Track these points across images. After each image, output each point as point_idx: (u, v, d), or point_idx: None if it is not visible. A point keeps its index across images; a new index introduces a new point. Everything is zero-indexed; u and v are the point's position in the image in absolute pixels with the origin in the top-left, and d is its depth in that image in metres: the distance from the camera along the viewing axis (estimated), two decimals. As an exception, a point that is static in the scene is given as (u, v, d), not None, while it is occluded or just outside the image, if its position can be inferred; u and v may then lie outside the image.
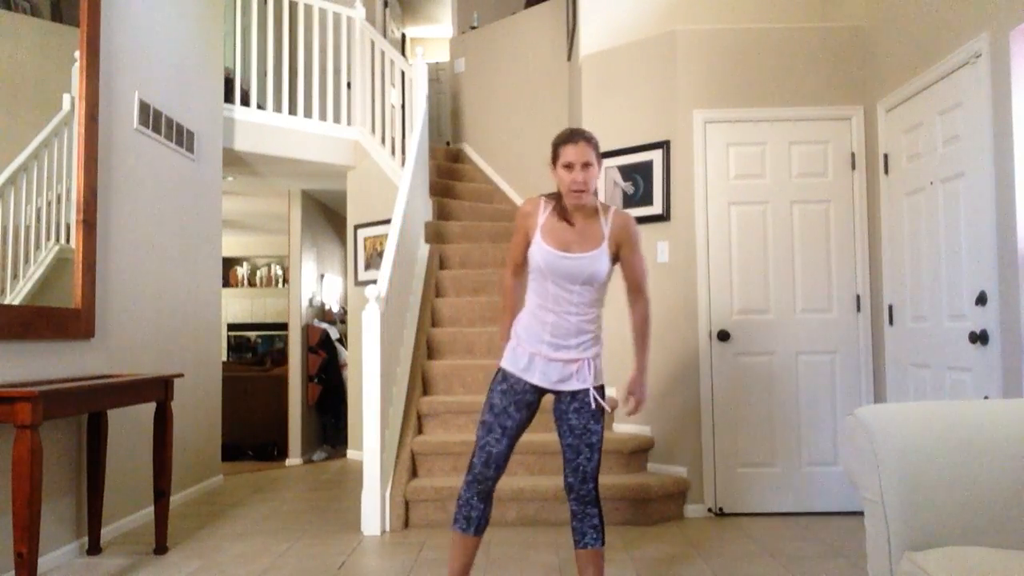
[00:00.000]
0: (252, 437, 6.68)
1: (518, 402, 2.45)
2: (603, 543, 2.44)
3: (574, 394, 2.43)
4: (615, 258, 2.47)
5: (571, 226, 2.42)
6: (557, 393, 2.47)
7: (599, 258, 2.39)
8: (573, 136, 2.36)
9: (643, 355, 2.54)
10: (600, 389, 2.46)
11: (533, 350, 2.44)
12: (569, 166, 2.35)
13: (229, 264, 11.38)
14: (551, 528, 3.81)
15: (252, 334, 11.36)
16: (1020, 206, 2.88)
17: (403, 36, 10.45)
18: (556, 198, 2.47)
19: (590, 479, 2.42)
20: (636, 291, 2.53)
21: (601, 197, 4.49)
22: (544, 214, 2.45)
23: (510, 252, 2.59)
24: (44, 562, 3.22)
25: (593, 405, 2.42)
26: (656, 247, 4.25)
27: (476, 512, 2.46)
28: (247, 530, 3.88)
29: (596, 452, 2.43)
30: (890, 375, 3.90)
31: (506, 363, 2.49)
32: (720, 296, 4.10)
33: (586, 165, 2.34)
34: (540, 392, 2.48)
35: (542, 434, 4.25)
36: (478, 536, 2.48)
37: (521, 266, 2.58)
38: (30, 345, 3.13)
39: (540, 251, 2.40)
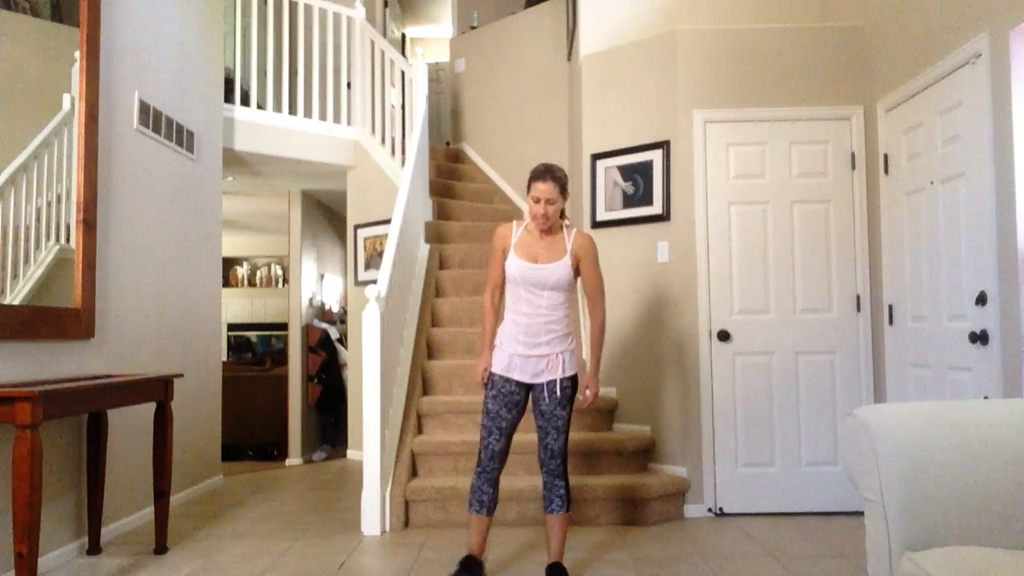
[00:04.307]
0: (252, 437, 6.68)
1: (508, 404, 2.92)
2: (568, 510, 2.95)
3: (546, 383, 2.90)
4: (577, 271, 2.94)
5: (540, 240, 2.91)
6: (534, 385, 2.93)
7: (562, 268, 2.87)
8: (544, 175, 2.84)
9: (596, 356, 2.98)
10: (573, 379, 2.93)
11: (511, 351, 2.92)
12: (537, 200, 2.84)
13: (229, 264, 11.38)
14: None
15: (252, 334, 11.36)
16: (1020, 206, 2.88)
17: (403, 36, 10.45)
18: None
19: (557, 455, 2.92)
20: (593, 302, 2.98)
21: (601, 198, 4.50)
22: (517, 233, 2.95)
23: (490, 275, 3.03)
24: (44, 562, 3.22)
25: (559, 394, 2.88)
26: (656, 247, 4.25)
27: (487, 496, 2.95)
28: (247, 530, 3.88)
29: (562, 434, 2.92)
30: (890, 375, 3.90)
31: (493, 365, 2.97)
32: (720, 296, 4.10)
33: (550, 201, 2.83)
34: (524, 388, 2.94)
35: (542, 434, 4.25)
36: (491, 516, 2.98)
37: (499, 286, 3.02)
38: (30, 345, 3.13)
39: (514, 264, 2.90)
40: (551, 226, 2.91)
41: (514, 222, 3.01)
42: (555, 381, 2.89)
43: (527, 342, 2.89)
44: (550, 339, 2.89)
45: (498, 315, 3.04)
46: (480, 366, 3.01)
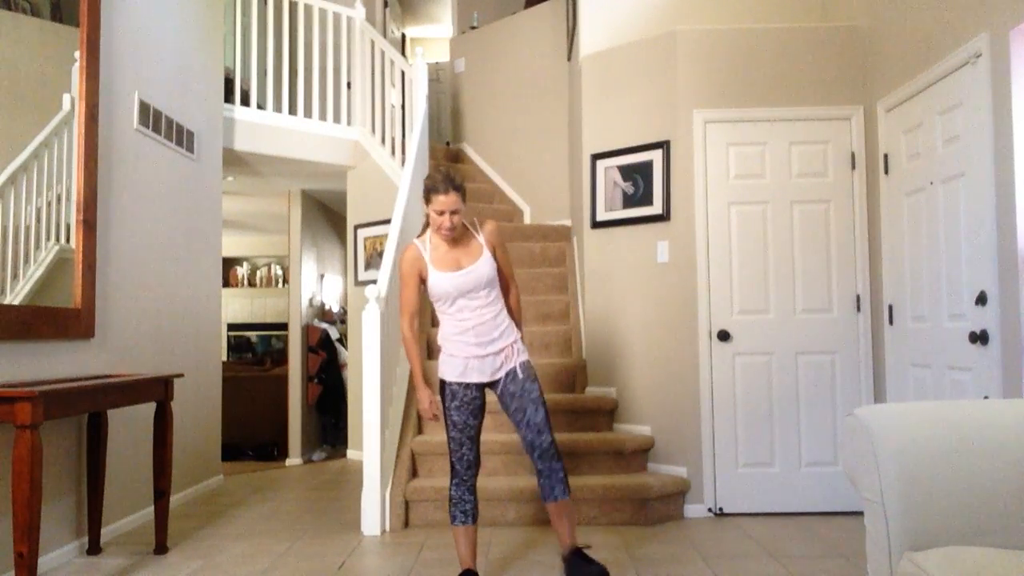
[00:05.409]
0: (252, 437, 6.68)
1: (472, 411, 2.90)
2: (569, 493, 2.87)
3: (506, 373, 2.89)
4: (496, 258, 2.95)
5: (454, 248, 2.88)
6: (494, 382, 2.91)
7: (487, 263, 2.87)
8: (445, 186, 2.78)
9: (520, 332, 3.03)
10: (526, 363, 2.93)
11: (466, 355, 2.87)
12: (440, 212, 2.79)
13: (229, 264, 11.38)
14: (550, 528, 3.81)
15: (252, 334, 11.36)
16: (1020, 206, 2.88)
17: (403, 36, 10.45)
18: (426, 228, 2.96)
19: (544, 429, 2.85)
20: (509, 281, 3.04)
21: (601, 198, 4.50)
22: (427, 251, 2.89)
23: (405, 301, 2.94)
24: (44, 562, 3.22)
25: (523, 374, 2.88)
26: (656, 247, 4.25)
27: (469, 504, 2.91)
28: (247, 530, 3.88)
29: (540, 406, 2.87)
30: (890, 375, 3.90)
31: (446, 375, 2.91)
32: (720, 296, 4.10)
33: (454, 212, 2.79)
34: (481, 389, 2.92)
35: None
36: (475, 524, 2.93)
37: (416, 313, 2.96)
38: (30, 345, 3.13)
39: (442, 279, 2.84)
40: (458, 234, 2.88)
41: (416, 241, 2.92)
42: (514, 367, 2.89)
43: (480, 343, 2.86)
44: (501, 333, 2.89)
45: (420, 342, 2.98)
46: (424, 400, 2.90)
